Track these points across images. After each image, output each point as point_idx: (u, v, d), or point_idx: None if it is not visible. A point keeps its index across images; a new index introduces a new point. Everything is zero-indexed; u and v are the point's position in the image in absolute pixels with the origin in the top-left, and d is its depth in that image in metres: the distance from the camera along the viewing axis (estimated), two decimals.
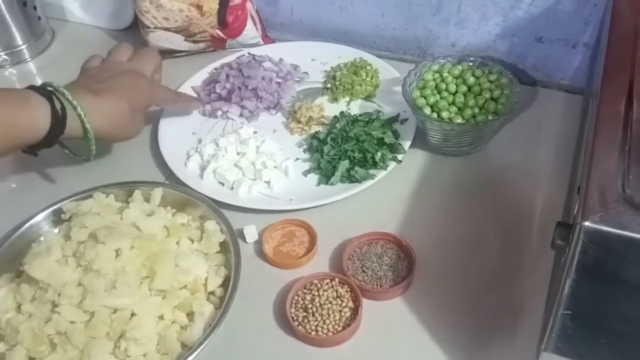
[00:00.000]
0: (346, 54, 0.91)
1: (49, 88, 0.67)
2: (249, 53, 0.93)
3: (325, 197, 0.72)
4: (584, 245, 0.41)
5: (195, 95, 0.89)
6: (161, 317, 0.61)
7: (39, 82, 0.96)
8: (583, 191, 0.43)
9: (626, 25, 0.59)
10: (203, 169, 0.77)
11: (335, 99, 0.86)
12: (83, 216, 0.65)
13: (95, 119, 0.68)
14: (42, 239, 0.69)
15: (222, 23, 0.93)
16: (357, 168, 0.73)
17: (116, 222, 0.66)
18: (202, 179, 0.76)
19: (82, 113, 0.66)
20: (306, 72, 0.91)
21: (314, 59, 0.93)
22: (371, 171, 0.74)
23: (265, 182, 0.75)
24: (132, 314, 0.59)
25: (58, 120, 0.65)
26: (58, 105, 0.65)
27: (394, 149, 0.75)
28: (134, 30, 0.99)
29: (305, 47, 0.95)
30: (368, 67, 0.88)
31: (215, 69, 0.92)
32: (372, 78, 0.86)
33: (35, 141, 0.66)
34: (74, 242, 0.63)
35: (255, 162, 0.76)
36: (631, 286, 0.42)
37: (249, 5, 0.93)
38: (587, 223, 0.40)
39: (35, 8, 1.00)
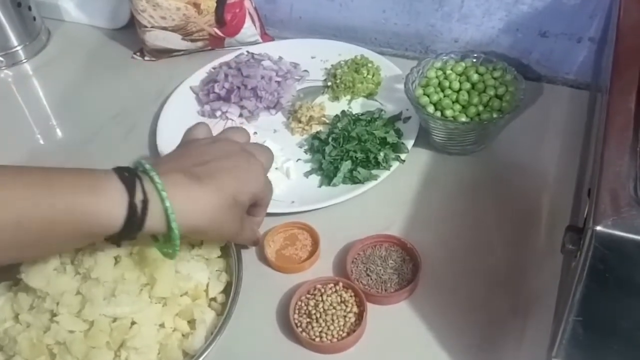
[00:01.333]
0: (347, 51, 0.90)
1: (138, 168, 0.53)
2: (247, 52, 0.92)
3: (328, 198, 0.71)
4: (595, 250, 0.40)
5: (194, 95, 0.88)
6: (162, 325, 0.60)
7: (35, 83, 0.96)
8: (594, 194, 0.42)
9: (634, 18, 0.57)
10: None
11: (336, 98, 0.85)
12: None
13: (187, 214, 0.53)
14: None
15: (220, 21, 0.91)
16: (359, 169, 0.72)
17: None
18: None
19: (169, 207, 0.51)
20: (306, 71, 0.90)
21: (314, 56, 0.92)
22: (374, 171, 0.72)
23: None
24: (132, 323, 0.58)
25: (135, 216, 0.51)
26: (140, 197, 0.51)
27: (396, 148, 0.74)
28: (130, 30, 0.97)
29: (305, 45, 0.93)
30: (369, 65, 0.86)
31: (213, 69, 0.90)
32: (373, 76, 0.85)
33: (107, 235, 0.52)
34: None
35: None
36: None
37: (247, 3, 0.92)
38: (599, 228, 0.39)
39: (30, 8, 0.98)
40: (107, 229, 0.51)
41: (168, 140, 0.80)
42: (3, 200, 0.47)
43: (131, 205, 0.51)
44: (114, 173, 0.52)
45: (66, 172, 0.52)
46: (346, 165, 0.72)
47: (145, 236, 0.56)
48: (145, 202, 0.51)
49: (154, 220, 0.52)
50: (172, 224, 0.52)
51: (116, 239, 0.56)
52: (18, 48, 0.98)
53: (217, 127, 0.83)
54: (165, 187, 0.52)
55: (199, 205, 0.54)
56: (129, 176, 0.52)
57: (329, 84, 0.87)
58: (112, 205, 0.50)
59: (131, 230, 0.52)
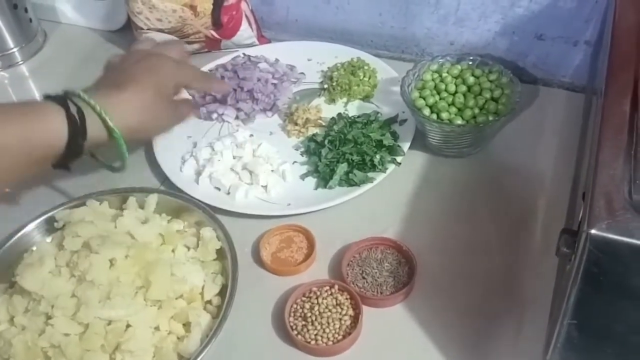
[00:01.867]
0: (343, 53, 0.90)
1: (64, 93, 0.61)
2: (244, 54, 0.92)
3: (324, 201, 0.71)
4: (590, 253, 0.40)
5: (190, 97, 0.88)
6: (157, 328, 0.59)
7: (31, 85, 0.96)
8: (588, 197, 0.42)
9: (629, 22, 0.58)
10: (198, 173, 0.76)
11: (332, 100, 0.85)
12: (76, 225, 0.64)
13: (120, 115, 0.60)
14: (34, 248, 0.67)
15: (216, 23, 0.91)
16: (355, 171, 0.72)
17: (110, 230, 0.64)
18: (198, 184, 0.75)
19: (101, 111, 0.59)
20: (303, 73, 0.90)
21: (310, 59, 0.92)
22: (370, 174, 0.72)
23: (262, 186, 0.74)
24: (127, 326, 0.58)
25: (76, 125, 0.58)
26: (74, 109, 0.58)
27: (392, 151, 0.74)
28: (127, 32, 0.98)
29: (302, 47, 0.93)
30: (365, 67, 0.86)
31: (210, 71, 0.90)
32: (369, 78, 0.85)
33: (57, 154, 0.59)
34: (67, 252, 0.62)
35: (251, 166, 0.75)
36: (638, 295, 0.41)
37: (243, 5, 0.92)
38: (593, 231, 0.39)
39: (26, 10, 0.98)
40: (55, 145, 0.58)
41: (165, 143, 0.80)
42: None
43: (69, 117, 0.58)
44: (45, 99, 0.60)
45: (8, 105, 0.60)
46: (342, 167, 0.72)
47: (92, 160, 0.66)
48: (80, 112, 0.59)
49: (93, 128, 0.59)
50: (109, 124, 0.59)
51: (65, 159, 0.60)
52: (14, 50, 0.98)
53: (213, 129, 0.83)
54: (92, 99, 0.59)
55: (126, 106, 0.61)
56: (58, 98, 0.59)
57: (326, 86, 0.87)
58: (54, 123, 0.58)
59: (76, 143, 0.59)
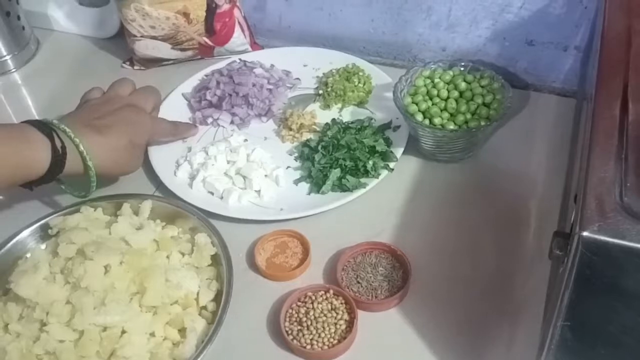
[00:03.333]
0: (338, 59, 0.90)
1: (50, 124, 0.66)
2: (240, 59, 0.92)
3: (317, 206, 0.71)
4: (582, 255, 0.40)
5: (186, 102, 0.88)
6: (152, 334, 0.59)
7: (24, 92, 0.96)
8: (580, 200, 0.42)
9: (618, 27, 0.58)
10: (192, 178, 0.76)
11: (327, 106, 0.85)
12: (70, 231, 0.64)
13: (97, 156, 0.67)
14: (28, 255, 0.67)
15: (209, 30, 0.92)
16: (348, 177, 0.72)
17: (104, 236, 0.65)
18: (192, 188, 0.75)
19: (84, 151, 0.66)
20: (298, 78, 0.90)
21: (305, 64, 0.92)
22: (363, 180, 0.73)
23: (255, 191, 0.74)
24: (123, 332, 0.58)
25: (58, 158, 0.64)
26: (59, 144, 0.64)
27: (385, 157, 0.75)
28: (120, 39, 0.98)
29: (297, 53, 0.94)
30: (360, 73, 0.87)
31: (205, 76, 0.91)
32: (364, 84, 0.85)
33: (34, 178, 0.65)
34: (62, 259, 0.62)
35: (245, 170, 0.75)
36: (631, 296, 0.42)
37: (236, 12, 0.92)
38: (585, 233, 0.40)
39: (19, 18, 0.98)
40: (35, 172, 0.64)
41: (159, 148, 0.80)
42: None
43: (54, 150, 0.64)
44: (31, 126, 0.64)
45: None
46: (335, 173, 0.73)
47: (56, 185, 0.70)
48: (63, 147, 0.64)
49: (72, 163, 0.65)
50: (89, 163, 0.66)
51: (37, 183, 0.66)
52: (7, 57, 0.98)
53: (208, 134, 0.83)
54: (77, 137, 0.65)
55: (102, 150, 0.68)
56: (44, 128, 0.64)
57: (321, 92, 0.87)
58: (39, 152, 0.63)
59: (54, 173, 0.65)
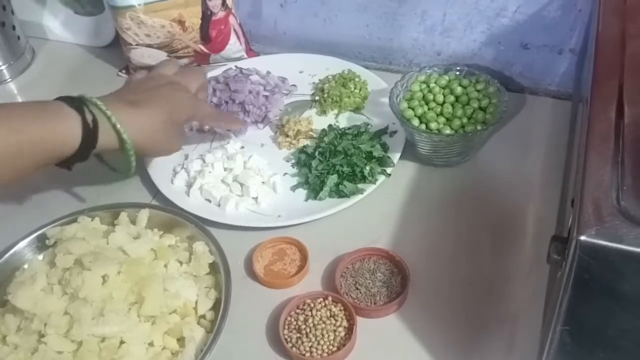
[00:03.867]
0: (334, 65, 0.90)
1: (80, 98, 0.64)
2: (236, 66, 0.92)
3: (314, 212, 0.71)
4: (580, 259, 0.40)
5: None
6: (151, 344, 0.59)
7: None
8: (577, 204, 0.42)
9: (612, 30, 0.58)
10: (189, 185, 0.76)
11: (323, 112, 0.85)
12: (68, 241, 0.64)
13: (131, 130, 0.64)
14: (26, 266, 0.67)
15: (205, 38, 0.92)
16: (345, 182, 0.72)
17: (102, 246, 0.64)
18: (189, 196, 0.75)
19: (116, 123, 0.62)
20: (294, 85, 0.90)
21: (301, 71, 0.92)
22: (360, 185, 0.73)
23: (252, 198, 0.74)
24: (121, 342, 0.58)
25: (89, 133, 0.61)
26: (89, 117, 0.61)
27: (382, 162, 0.75)
28: (115, 48, 0.98)
29: (293, 59, 0.94)
30: (356, 79, 0.87)
31: None
32: (360, 90, 0.85)
33: (67, 155, 0.62)
34: (59, 269, 0.62)
35: (242, 178, 0.75)
36: (629, 300, 0.42)
37: (232, 19, 0.92)
38: (583, 237, 0.40)
39: (14, 27, 0.98)
40: (67, 148, 0.61)
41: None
42: None
43: (84, 124, 0.61)
44: (62, 102, 0.62)
45: (25, 105, 0.64)
46: (332, 179, 0.73)
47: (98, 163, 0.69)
48: (95, 121, 0.62)
49: (105, 136, 0.62)
50: (124, 136, 0.63)
51: (72, 160, 0.63)
52: (2, 67, 0.98)
53: (204, 141, 0.83)
54: (108, 109, 0.62)
55: (137, 124, 0.64)
56: (75, 103, 0.62)
57: (317, 98, 0.87)
58: (70, 126, 0.61)
59: (87, 148, 0.62)
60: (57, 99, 0.64)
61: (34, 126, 0.60)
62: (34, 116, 0.60)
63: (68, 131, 0.61)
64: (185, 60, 0.94)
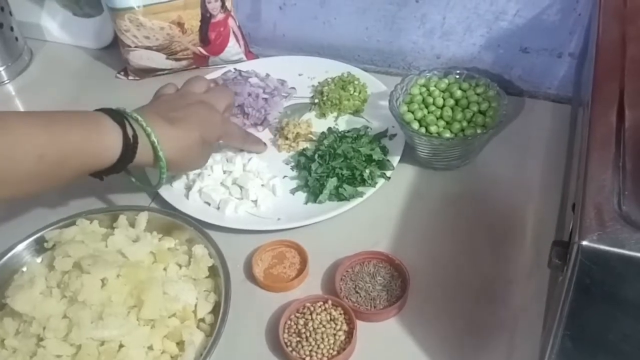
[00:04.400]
0: (334, 68, 0.90)
1: (122, 112, 0.64)
2: (235, 69, 0.92)
3: (314, 215, 0.71)
4: (581, 264, 0.40)
5: None
6: (150, 348, 0.59)
7: (18, 104, 0.96)
8: (579, 209, 0.42)
9: (613, 33, 0.58)
10: (188, 188, 0.76)
11: (323, 115, 0.85)
12: (67, 244, 0.64)
13: (168, 147, 0.65)
14: (24, 269, 0.66)
15: (204, 40, 0.92)
16: (345, 186, 0.72)
17: (101, 249, 0.64)
18: (188, 199, 0.75)
19: (155, 140, 0.64)
20: (293, 88, 0.90)
21: (301, 73, 0.92)
22: (360, 188, 0.73)
23: (252, 201, 0.74)
24: (121, 346, 0.58)
25: (129, 147, 0.62)
26: (130, 132, 0.63)
27: (382, 165, 0.74)
28: (114, 49, 0.97)
29: (292, 62, 0.94)
30: (355, 82, 0.87)
31: None
32: (360, 93, 0.85)
33: (105, 167, 0.63)
34: (58, 272, 0.61)
35: (241, 180, 0.75)
36: (631, 305, 0.42)
37: (231, 22, 0.92)
38: (584, 242, 0.40)
39: (12, 29, 0.98)
40: (106, 161, 0.62)
41: None
42: (26, 137, 0.58)
43: (125, 139, 0.62)
44: (104, 114, 0.63)
45: (69, 114, 0.63)
46: (332, 182, 0.73)
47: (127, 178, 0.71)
48: (135, 136, 0.63)
49: (142, 152, 0.64)
50: (160, 153, 0.64)
51: (107, 172, 0.65)
52: (0, 69, 0.98)
53: None
54: (149, 126, 0.64)
55: (173, 141, 0.66)
56: (117, 117, 0.63)
57: (316, 101, 0.87)
58: (111, 140, 0.62)
59: (125, 162, 0.63)
60: (98, 110, 0.64)
61: (78, 136, 0.60)
62: (78, 126, 0.61)
63: (110, 144, 0.62)
64: (184, 63, 0.94)
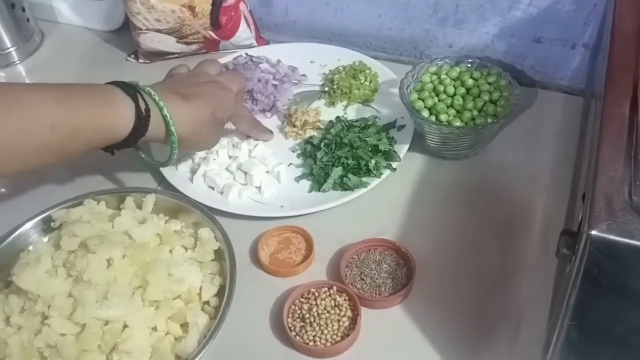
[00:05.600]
0: (346, 56, 0.89)
1: (135, 86, 0.64)
2: (246, 54, 0.91)
3: (317, 204, 0.71)
4: (590, 254, 0.40)
5: None
6: (154, 329, 0.59)
7: None
8: (589, 199, 0.42)
9: (628, 26, 0.58)
10: (193, 172, 0.76)
11: (332, 103, 0.85)
12: (73, 224, 0.64)
13: (180, 122, 0.65)
14: (31, 248, 0.67)
15: (215, 24, 0.91)
16: (350, 175, 0.72)
17: (107, 230, 0.64)
18: (192, 182, 0.75)
19: (167, 115, 0.63)
20: (304, 75, 0.89)
21: (312, 61, 0.91)
22: (364, 179, 0.72)
23: (256, 187, 0.74)
24: (125, 326, 0.58)
25: (141, 121, 0.62)
26: (143, 106, 0.62)
27: (388, 156, 0.74)
28: (125, 32, 0.97)
29: (304, 49, 0.93)
30: (367, 71, 0.86)
31: None
32: (370, 82, 0.85)
33: (116, 141, 0.63)
34: (64, 252, 0.61)
35: (246, 166, 0.75)
36: (638, 296, 0.41)
37: (242, 6, 0.92)
38: (593, 232, 0.39)
39: (23, 9, 0.98)
40: (118, 134, 0.62)
41: None
42: (39, 108, 0.58)
43: (138, 113, 0.62)
44: (117, 87, 0.63)
45: (82, 87, 0.63)
46: (337, 171, 0.72)
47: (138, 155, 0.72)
48: (147, 110, 0.62)
49: (154, 126, 0.63)
50: (171, 128, 0.64)
51: (118, 147, 0.64)
52: (11, 49, 0.98)
53: None
54: (161, 101, 0.63)
55: (185, 117, 0.65)
56: (130, 90, 0.63)
57: (326, 89, 0.86)
58: (124, 113, 0.61)
59: (136, 136, 0.63)
60: (110, 83, 0.64)
61: (91, 109, 0.60)
62: (91, 98, 0.61)
63: (122, 118, 0.61)
64: (194, 47, 0.93)
